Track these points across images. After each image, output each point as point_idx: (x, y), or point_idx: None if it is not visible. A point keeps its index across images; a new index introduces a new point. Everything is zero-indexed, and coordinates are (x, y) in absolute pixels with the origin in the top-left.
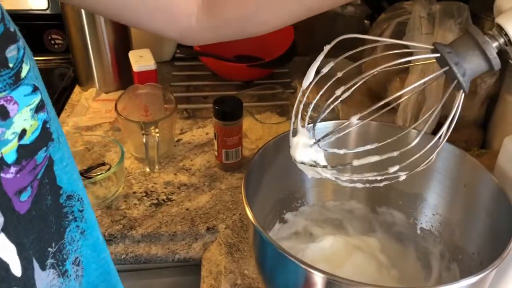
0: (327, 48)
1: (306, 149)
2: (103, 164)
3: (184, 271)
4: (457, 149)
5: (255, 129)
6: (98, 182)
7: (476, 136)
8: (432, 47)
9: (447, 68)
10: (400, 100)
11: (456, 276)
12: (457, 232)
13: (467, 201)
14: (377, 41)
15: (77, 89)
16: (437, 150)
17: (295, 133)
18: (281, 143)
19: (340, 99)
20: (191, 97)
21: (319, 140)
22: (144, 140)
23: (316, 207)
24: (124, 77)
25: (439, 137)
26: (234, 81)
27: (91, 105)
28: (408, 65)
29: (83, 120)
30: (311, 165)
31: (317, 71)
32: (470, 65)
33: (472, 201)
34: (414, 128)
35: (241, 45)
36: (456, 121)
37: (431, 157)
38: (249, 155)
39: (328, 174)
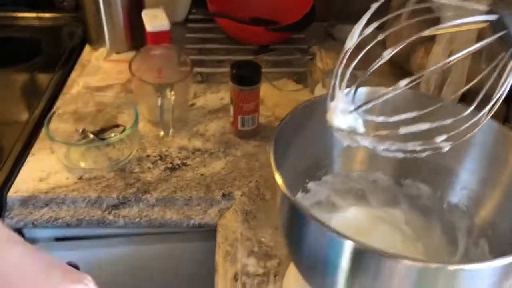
0: (375, 5)
1: (345, 115)
2: (117, 126)
3: (199, 236)
4: (494, 122)
5: (272, 96)
6: (112, 144)
7: (500, 109)
8: (487, 8)
9: (504, 32)
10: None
11: (485, 253)
12: (488, 208)
13: (501, 177)
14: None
15: (87, 48)
16: (483, 123)
17: (332, 97)
18: (309, 110)
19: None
20: (204, 61)
21: (359, 106)
22: (159, 102)
23: (339, 177)
24: (136, 37)
25: (489, 110)
26: (249, 45)
27: (102, 65)
28: (436, 33)
29: (94, 80)
30: (350, 132)
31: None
32: None
33: (508, 178)
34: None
35: (258, 7)
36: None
37: (476, 129)
38: (265, 122)
39: (366, 142)
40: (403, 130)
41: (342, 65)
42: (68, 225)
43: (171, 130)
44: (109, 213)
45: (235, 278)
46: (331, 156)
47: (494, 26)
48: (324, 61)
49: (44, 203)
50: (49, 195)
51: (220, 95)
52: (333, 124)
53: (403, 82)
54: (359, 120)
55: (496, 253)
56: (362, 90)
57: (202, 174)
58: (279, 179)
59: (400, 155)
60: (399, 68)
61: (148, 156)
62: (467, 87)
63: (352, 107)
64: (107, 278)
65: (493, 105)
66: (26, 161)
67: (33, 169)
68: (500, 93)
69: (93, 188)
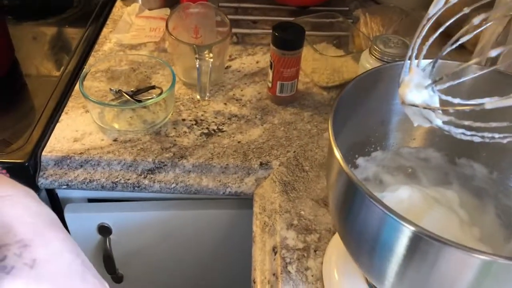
0: None
1: (420, 90)
2: (153, 87)
3: (234, 204)
4: None
5: (310, 60)
6: (147, 107)
7: None
8: None
9: None
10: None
11: None
12: None
13: None
14: None
15: (118, 3)
16: None
17: (406, 71)
18: (368, 81)
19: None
20: (240, 21)
21: (436, 81)
22: (197, 64)
23: (389, 154)
24: None
25: None
26: (287, 5)
27: (134, 22)
28: None
29: (126, 38)
30: (423, 109)
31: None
32: None
33: None
34: None
35: None
36: None
37: None
38: (302, 89)
39: (440, 122)
40: (489, 105)
41: (422, 35)
42: (102, 188)
43: (208, 94)
44: (145, 177)
45: (274, 251)
46: (384, 132)
47: None
48: (369, 26)
49: (78, 164)
50: (84, 156)
51: (256, 58)
52: (406, 100)
53: (495, 52)
54: (435, 97)
55: None
56: (422, 65)
57: (239, 142)
58: (338, 154)
59: (477, 139)
60: (448, 35)
61: (183, 120)
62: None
63: (428, 82)
64: (139, 241)
65: None
66: (60, 119)
67: (66, 129)
68: None
69: (129, 151)
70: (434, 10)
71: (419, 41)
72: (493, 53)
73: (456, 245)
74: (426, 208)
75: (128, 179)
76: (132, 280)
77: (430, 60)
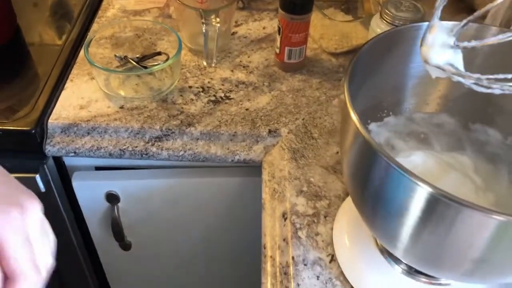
0: None
1: (444, 49)
2: (159, 53)
3: (243, 171)
4: None
5: (318, 26)
6: (153, 73)
7: None
8: None
9: None
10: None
11: None
12: None
13: None
14: None
15: None
16: None
17: (431, 30)
18: (380, 44)
19: None
20: None
21: (459, 42)
22: (203, 30)
23: (402, 119)
24: None
25: None
26: None
27: None
28: None
29: (130, 4)
30: (453, 73)
31: None
32: None
33: None
34: None
35: None
36: None
37: None
38: (310, 55)
39: (462, 78)
40: None
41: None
42: (110, 155)
43: (214, 61)
44: (152, 144)
45: (284, 217)
46: (398, 97)
47: None
48: None
49: (86, 131)
50: (91, 123)
51: (263, 24)
52: (429, 60)
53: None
54: (459, 56)
55: None
56: (447, 25)
57: (247, 109)
58: (355, 117)
59: (497, 91)
60: (460, 1)
61: (190, 87)
62: None
63: (452, 40)
64: (147, 209)
65: None
66: (65, 87)
67: (72, 96)
68: None
69: (136, 119)
70: None
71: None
72: None
73: (474, 206)
74: (441, 174)
75: (136, 147)
76: (140, 247)
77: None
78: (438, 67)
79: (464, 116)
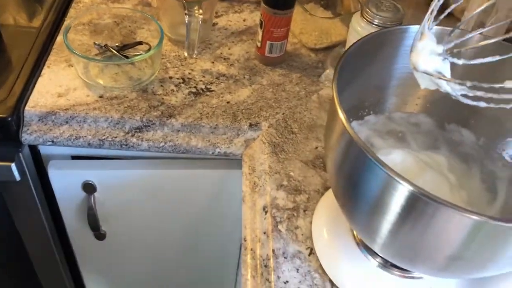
0: None
1: (433, 57)
2: (140, 43)
3: (223, 163)
4: None
5: (298, 21)
6: (133, 62)
7: None
8: None
9: None
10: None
11: None
12: None
13: None
14: None
15: None
16: None
17: (420, 37)
18: (367, 45)
19: None
20: None
21: (449, 49)
22: (186, 20)
23: (382, 118)
24: None
25: None
26: None
27: None
28: None
29: None
30: (440, 78)
31: None
32: None
33: None
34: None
35: None
36: None
37: None
38: (290, 50)
39: (449, 87)
40: (509, 84)
41: (441, 1)
42: (89, 145)
43: (195, 52)
44: (132, 135)
45: (265, 210)
46: (380, 96)
47: None
48: None
49: (64, 120)
50: (69, 112)
51: (243, 16)
52: (418, 67)
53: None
54: (447, 64)
55: None
56: (433, 30)
57: (228, 102)
58: (342, 115)
59: (483, 104)
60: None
61: (170, 77)
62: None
63: (441, 49)
64: (124, 200)
65: None
66: (42, 73)
67: (50, 83)
68: None
69: (115, 108)
70: None
71: (436, 8)
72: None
73: (452, 205)
74: (419, 172)
75: (116, 137)
76: (115, 237)
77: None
78: (426, 73)
79: (441, 117)
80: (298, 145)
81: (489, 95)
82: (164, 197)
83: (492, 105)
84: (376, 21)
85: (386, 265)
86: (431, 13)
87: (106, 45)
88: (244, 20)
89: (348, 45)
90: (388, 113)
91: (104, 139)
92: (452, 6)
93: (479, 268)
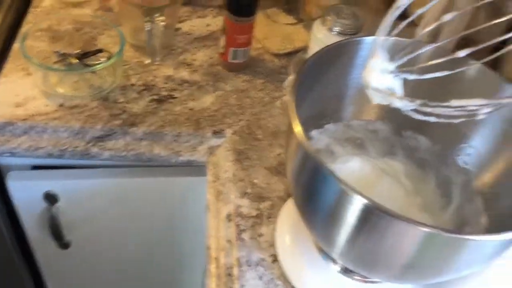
0: None
1: (384, 74)
2: (100, 50)
3: (187, 171)
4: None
5: (261, 26)
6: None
7: (492, 61)
8: None
9: None
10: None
11: (479, 209)
12: (488, 167)
13: (505, 138)
14: None
15: None
16: None
17: (372, 55)
18: (324, 57)
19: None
20: None
21: (400, 66)
22: (147, 28)
23: (340, 126)
24: None
25: None
26: None
27: None
28: None
29: None
30: (387, 93)
31: None
32: None
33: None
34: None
35: None
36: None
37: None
38: (254, 55)
39: (400, 103)
40: (455, 103)
41: (391, 23)
42: (50, 156)
43: (158, 58)
44: (94, 145)
45: (228, 219)
46: (338, 105)
47: None
48: None
49: (22, 131)
50: (28, 122)
51: (207, 21)
52: (370, 84)
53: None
54: (398, 81)
55: (491, 211)
56: (389, 41)
57: (191, 109)
58: (298, 128)
59: (433, 119)
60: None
61: (132, 85)
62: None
63: (392, 67)
64: (88, 209)
65: None
66: None
67: (6, 93)
68: None
69: (76, 118)
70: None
71: (387, 28)
72: (446, 17)
73: (404, 218)
74: (375, 179)
75: (77, 147)
76: (80, 246)
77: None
78: (378, 90)
79: (397, 124)
80: (262, 151)
81: (438, 111)
82: (129, 206)
83: (442, 120)
84: (336, 28)
85: (347, 271)
86: (379, 35)
87: (65, 53)
88: (207, 25)
89: (310, 51)
90: (347, 121)
91: (64, 149)
92: (404, 23)
93: (434, 274)
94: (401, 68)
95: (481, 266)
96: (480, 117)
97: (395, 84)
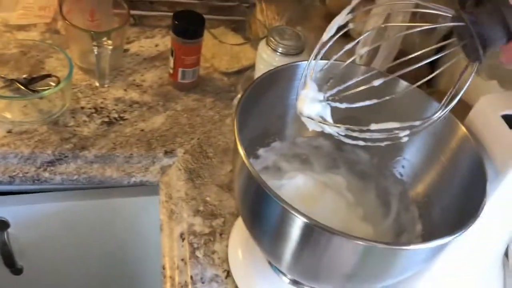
0: (355, 1)
1: (314, 103)
2: (48, 75)
3: (140, 191)
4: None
5: (209, 45)
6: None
7: (424, 73)
8: (454, 13)
9: (468, 40)
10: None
11: (415, 217)
12: (423, 182)
13: (435, 151)
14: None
15: None
16: (438, 120)
17: (303, 86)
18: (268, 80)
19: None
20: (135, 1)
21: (329, 97)
22: (95, 51)
23: (286, 143)
24: None
25: (444, 106)
26: None
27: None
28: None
29: (13, 17)
30: (320, 122)
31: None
32: (491, 38)
33: (445, 158)
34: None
35: None
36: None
37: (432, 124)
38: (203, 74)
39: (331, 129)
40: (374, 127)
41: (318, 58)
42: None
43: (107, 81)
44: (44, 170)
45: (182, 237)
46: (282, 124)
47: (460, 31)
48: (265, 14)
49: None
50: None
51: (155, 41)
52: (303, 112)
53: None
54: (327, 109)
55: (425, 218)
56: (320, 63)
57: (142, 130)
58: (241, 150)
59: (361, 143)
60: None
61: (82, 108)
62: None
63: (321, 97)
64: (40, 234)
65: (453, 104)
66: None
67: None
68: (461, 94)
69: (25, 143)
70: (327, 36)
71: (314, 62)
72: (362, 51)
73: (342, 234)
74: (319, 193)
75: (27, 173)
76: (33, 272)
77: (326, 62)
78: (310, 118)
79: (337, 139)
80: (214, 169)
81: (363, 135)
82: (82, 229)
83: (369, 143)
84: (280, 49)
85: (296, 282)
86: (314, 58)
87: (12, 80)
88: (156, 45)
89: (256, 70)
90: (292, 138)
91: (14, 175)
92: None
93: (375, 281)
94: (332, 96)
95: (418, 269)
96: (404, 139)
97: (325, 111)
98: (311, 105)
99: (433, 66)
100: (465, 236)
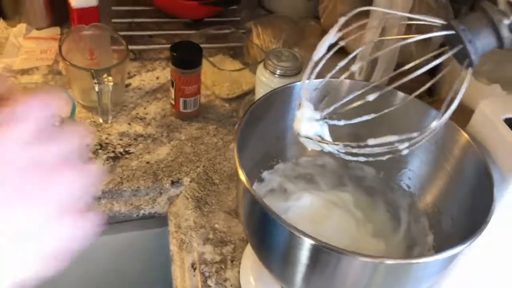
0: (342, 20)
1: (311, 123)
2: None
3: (149, 223)
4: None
5: (209, 73)
6: None
7: (424, 83)
8: (444, 22)
9: (460, 47)
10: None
11: (425, 228)
12: (431, 193)
13: (439, 160)
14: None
15: (2, 24)
16: (437, 129)
17: (299, 106)
18: (266, 103)
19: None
20: (135, 36)
21: (325, 116)
22: (96, 89)
23: (289, 164)
24: (57, 10)
25: (441, 115)
26: (181, 18)
27: (23, 44)
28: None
29: (16, 62)
30: (319, 141)
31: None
32: (482, 43)
33: (450, 167)
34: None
35: None
36: (409, 69)
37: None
38: (205, 102)
39: (331, 148)
40: (372, 142)
41: (312, 78)
42: None
43: (110, 117)
44: None
45: (193, 267)
46: (282, 146)
47: (452, 39)
48: (261, 38)
49: None
50: None
51: (156, 74)
52: (300, 133)
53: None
54: (325, 128)
55: (436, 229)
56: (315, 82)
57: (147, 162)
58: (243, 176)
59: (362, 159)
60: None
61: (87, 145)
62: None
63: (318, 116)
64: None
65: (450, 112)
66: None
67: None
68: (457, 101)
69: None
70: (317, 57)
71: (307, 82)
72: (354, 68)
73: (351, 253)
74: (327, 213)
75: None
76: None
77: (320, 80)
78: (308, 138)
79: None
80: (221, 196)
81: (363, 151)
82: (92, 265)
83: (370, 159)
84: (278, 71)
85: None
86: (308, 78)
87: None
88: (157, 78)
89: (256, 94)
90: (295, 159)
91: None
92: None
93: None
94: (329, 114)
95: (434, 280)
96: (404, 152)
97: (323, 130)
98: (309, 124)
99: (432, 76)
100: (476, 241)
